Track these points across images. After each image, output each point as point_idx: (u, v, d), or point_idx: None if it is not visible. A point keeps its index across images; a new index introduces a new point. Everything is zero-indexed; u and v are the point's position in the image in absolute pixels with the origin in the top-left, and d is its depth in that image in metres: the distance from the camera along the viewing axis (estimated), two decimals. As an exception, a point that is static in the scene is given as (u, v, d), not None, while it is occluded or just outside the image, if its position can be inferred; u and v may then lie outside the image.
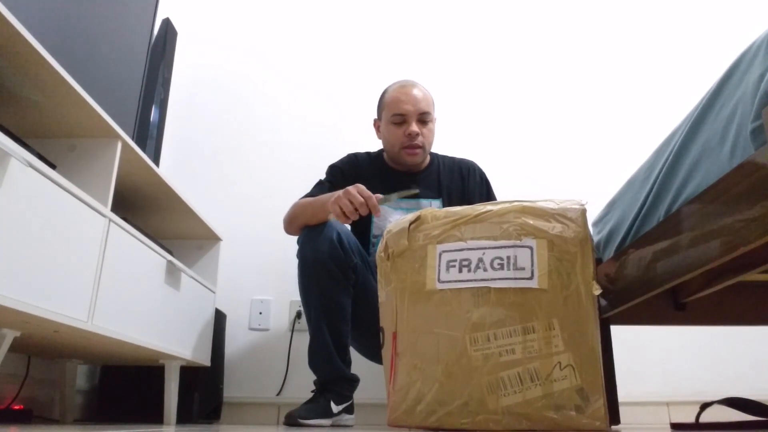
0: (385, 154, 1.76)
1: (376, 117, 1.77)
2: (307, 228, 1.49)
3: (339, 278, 1.44)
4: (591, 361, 0.91)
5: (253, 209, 2.21)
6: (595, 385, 0.90)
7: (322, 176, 1.73)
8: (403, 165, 1.70)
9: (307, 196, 1.63)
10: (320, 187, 1.66)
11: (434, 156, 1.79)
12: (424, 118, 1.65)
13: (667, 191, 0.98)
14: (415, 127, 1.63)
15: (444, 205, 1.68)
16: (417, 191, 1.53)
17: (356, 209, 1.34)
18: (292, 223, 1.57)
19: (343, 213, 1.35)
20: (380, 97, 1.74)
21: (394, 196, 1.40)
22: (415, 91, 1.66)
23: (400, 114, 1.64)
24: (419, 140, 1.64)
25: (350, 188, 1.36)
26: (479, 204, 1.04)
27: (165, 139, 2.01)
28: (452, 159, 1.81)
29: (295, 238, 1.57)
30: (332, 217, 1.40)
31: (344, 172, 1.70)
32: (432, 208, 1.63)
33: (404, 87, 1.68)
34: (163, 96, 1.91)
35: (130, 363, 1.63)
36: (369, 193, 1.35)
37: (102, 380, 1.75)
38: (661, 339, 2.00)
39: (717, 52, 2.20)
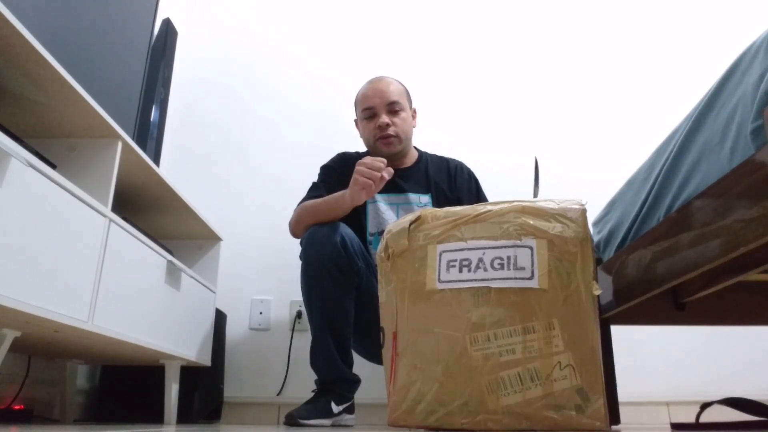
0: (370, 152, 1.78)
1: (355, 117, 1.80)
2: (311, 230, 1.48)
3: (342, 282, 1.44)
4: (591, 361, 0.91)
5: (253, 209, 2.21)
6: (595, 385, 0.90)
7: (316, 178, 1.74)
8: (389, 160, 1.71)
9: (305, 199, 1.63)
10: (316, 189, 1.66)
11: (423, 153, 1.81)
12: (393, 108, 1.68)
13: (667, 191, 0.98)
14: (384, 118, 1.66)
15: (432, 200, 1.70)
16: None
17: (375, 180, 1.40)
18: (299, 225, 1.56)
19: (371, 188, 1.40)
20: (355, 98, 1.78)
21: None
22: (382, 84, 1.70)
23: (369, 107, 1.69)
24: (391, 130, 1.66)
25: (358, 168, 1.41)
26: (479, 204, 1.04)
27: (165, 139, 2.00)
28: (440, 157, 1.83)
29: (297, 239, 1.57)
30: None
31: (337, 170, 1.71)
32: (421, 203, 1.67)
33: (371, 82, 1.73)
34: (163, 96, 1.91)
35: (130, 363, 1.63)
36: (376, 162, 1.40)
37: (102, 380, 1.75)
38: (661, 339, 2.00)
39: (717, 52, 2.19)
